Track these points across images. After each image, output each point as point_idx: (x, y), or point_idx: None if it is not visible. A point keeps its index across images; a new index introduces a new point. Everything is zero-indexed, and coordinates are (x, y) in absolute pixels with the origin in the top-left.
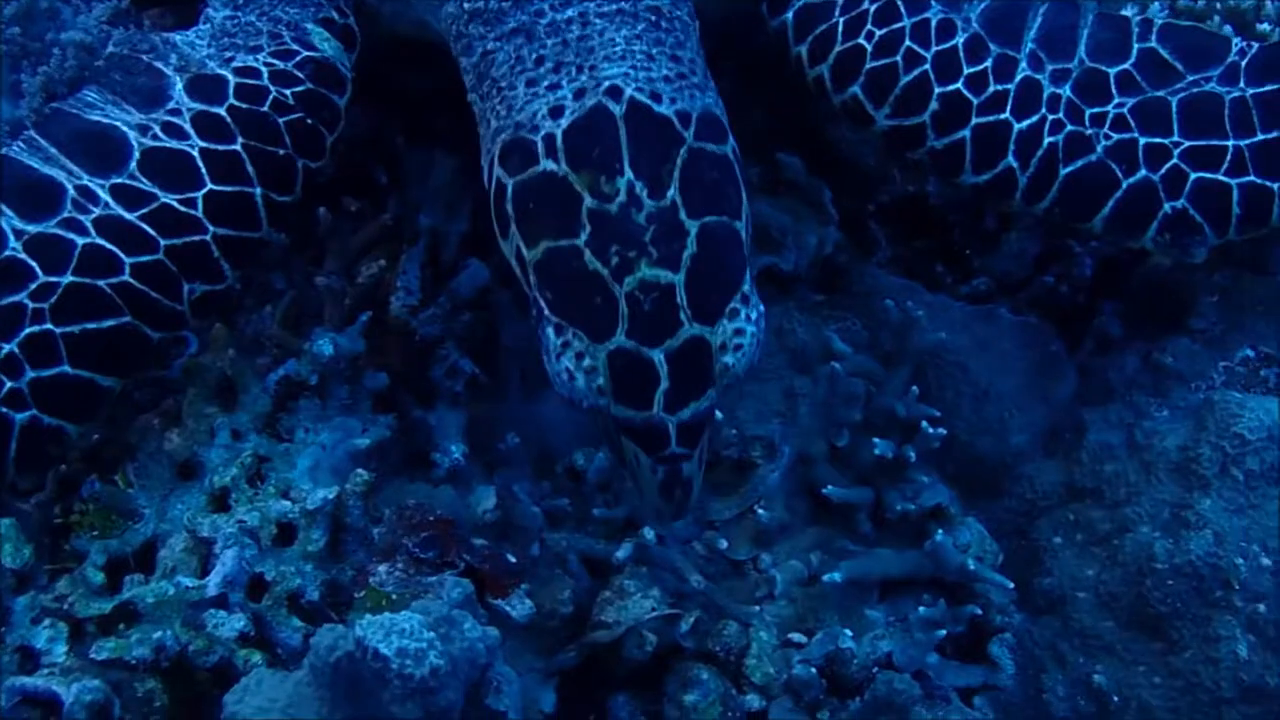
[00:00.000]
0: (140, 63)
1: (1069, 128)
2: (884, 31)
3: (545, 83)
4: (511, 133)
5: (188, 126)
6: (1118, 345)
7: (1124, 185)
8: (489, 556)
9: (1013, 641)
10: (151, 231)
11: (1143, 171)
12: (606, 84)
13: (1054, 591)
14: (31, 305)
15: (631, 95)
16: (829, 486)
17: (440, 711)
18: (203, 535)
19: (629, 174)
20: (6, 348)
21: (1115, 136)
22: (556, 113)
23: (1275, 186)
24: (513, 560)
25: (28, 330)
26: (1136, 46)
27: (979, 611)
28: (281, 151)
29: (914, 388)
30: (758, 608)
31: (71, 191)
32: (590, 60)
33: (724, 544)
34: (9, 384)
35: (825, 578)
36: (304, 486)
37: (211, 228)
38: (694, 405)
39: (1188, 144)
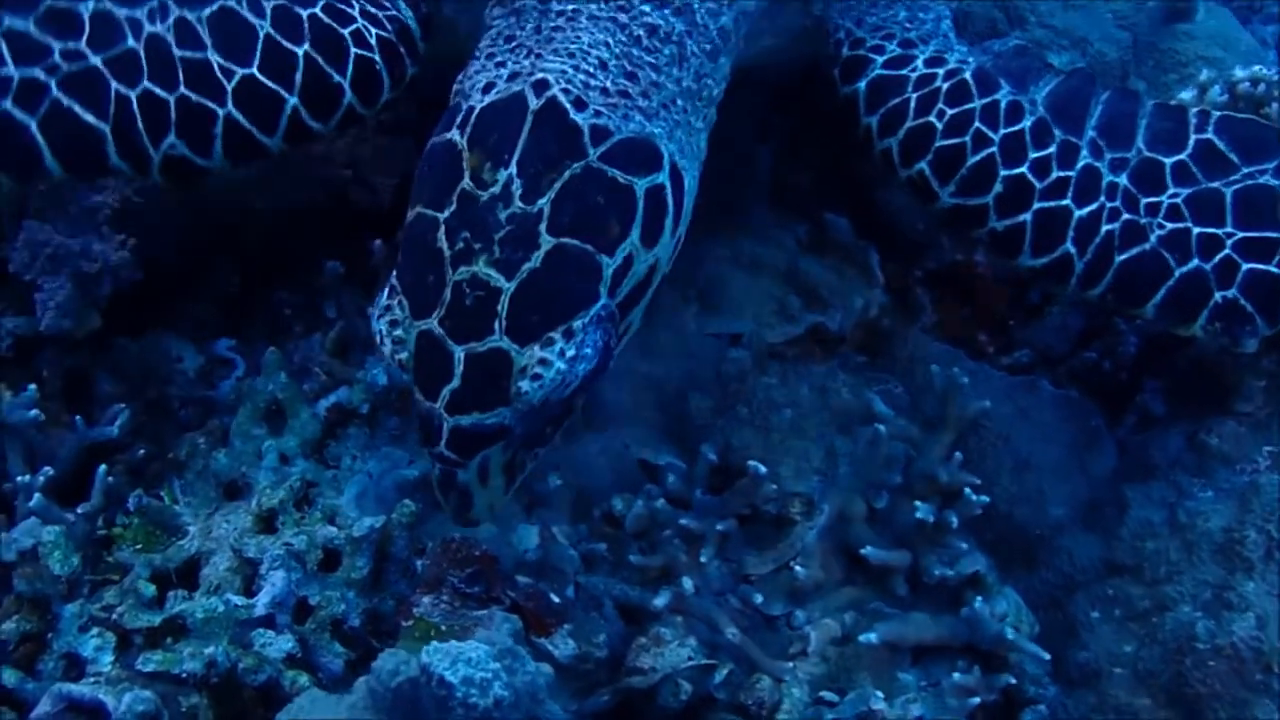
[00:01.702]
0: None
1: (1125, 216)
2: (955, 111)
3: (498, 59)
4: (454, 97)
5: (270, 12)
6: (1160, 423)
7: (1176, 274)
8: (532, 595)
9: (1046, 713)
10: (180, 74)
11: (1195, 261)
12: (538, 75)
13: (1090, 665)
14: (55, 58)
15: (554, 94)
16: (868, 547)
17: None
18: (248, 555)
19: (512, 169)
20: (10, 69)
21: (1169, 226)
22: (487, 88)
23: None
24: (556, 600)
25: (35, 72)
26: (1194, 137)
27: (1013, 681)
28: (336, 78)
29: (958, 454)
30: (791, 664)
31: (153, 1)
32: (544, 49)
33: (759, 598)
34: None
35: (861, 638)
36: (350, 514)
37: (230, 106)
38: (476, 416)
39: (1240, 235)
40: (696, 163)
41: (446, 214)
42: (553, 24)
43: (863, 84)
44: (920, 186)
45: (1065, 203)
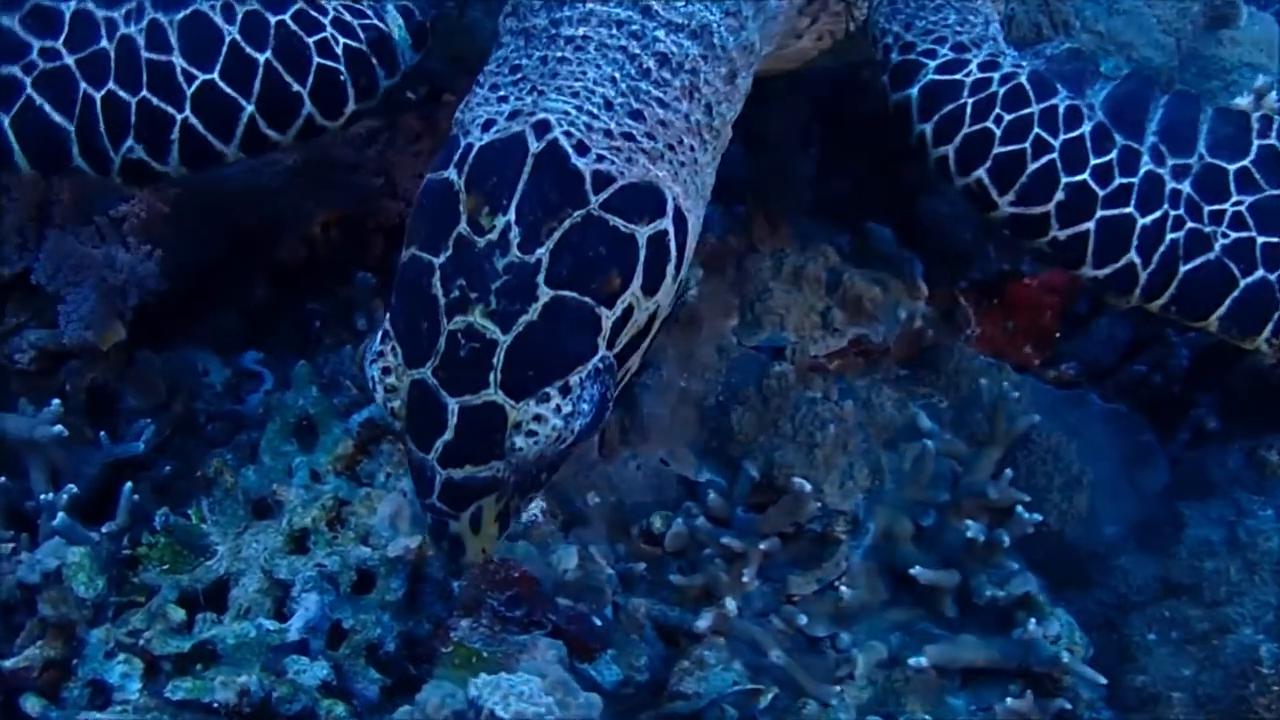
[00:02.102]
0: None
1: (1189, 224)
2: (1013, 116)
3: (501, 92)
4: (454, 127)
5: (240, 18)
6: (1215, 439)
7: (1241, 285)
8: (575, 618)
9: None
10: (144, 77)
11: (1260, 271)
12: (539, 116)
13: (1147, 690)
14: (33, 56)
15: (556, 137)
16: (917, 567)
17: None
18: (279, 577)
19: (511, 215)
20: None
21: (1233, 235)
22: (487, 125)
23: None
24: (599, 623)
25: (13, 69)
26: (1256, 143)
27: (1068, 706)
28: (295, 87)
29: (1008, 470)
30: (838, 688)
31: (132, 2)
32: (547, 85)
33: (803, 620)
34: None
35: (910, 661)
36: (384, 533)
37: (189, 111)
38: (470, 469)
39: None
40: (702, 201)
41: (442, 259)
42: (560, 53)
43: (915, 90)
44: (978, 195)
45: (1129, 210)
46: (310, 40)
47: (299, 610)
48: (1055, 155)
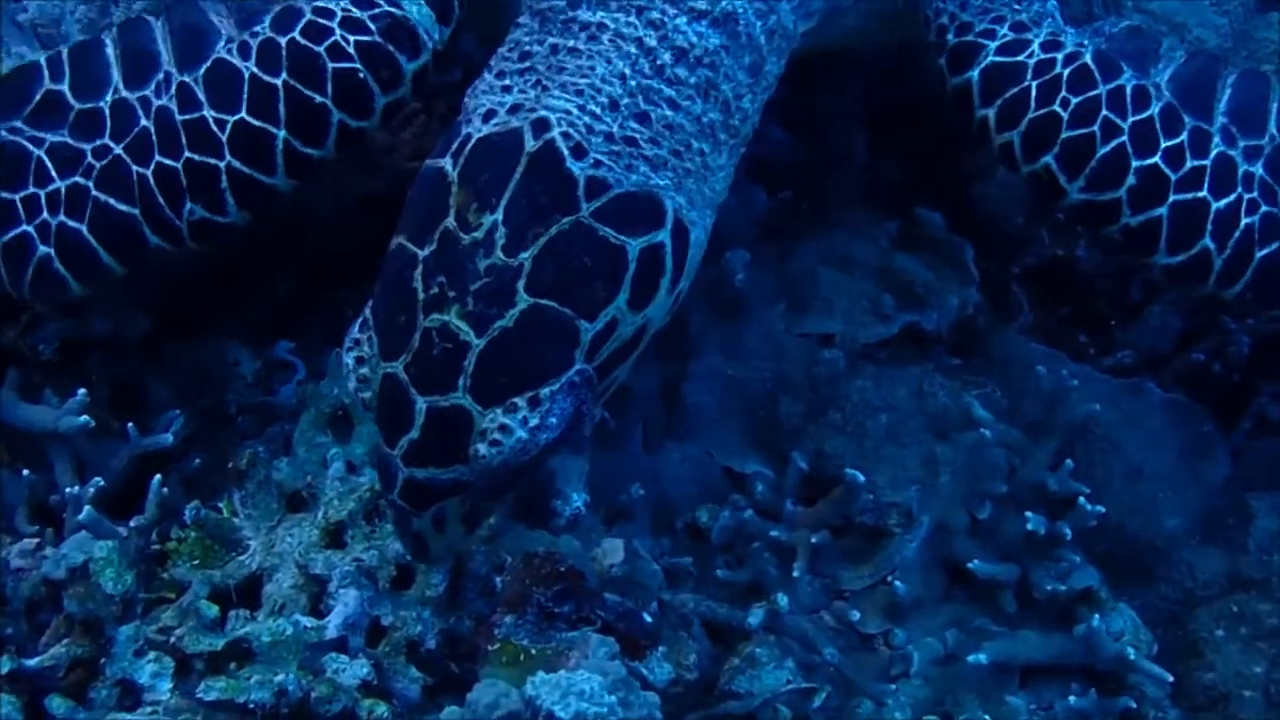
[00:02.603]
0: None
1: (1264, 208)
2: (1080, 99)
3: (506, 81)
4: (462, 112)
5: (255, 50)
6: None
7: None
8: (624, 614)
9: None
10: (184, 139)
11: None
12: (539, 113)
13: (1216, 688)
14: (89, 159)
15: (553, 137)
16: (975, 561)
17: None
18: (315, 572)
19: (499, 215)
20: (57, 183)
21: None
22: (488, 116)
23: None
24: (649, 620)
25: (77, 178)
26: None
27: (1133, 705)
28: (318, 99)
29: (1068, 461)
30: (893, 686)
31: (159, 75)
32: (552, 80)
33: (856, 616)
34: (44, 215)
35: (970, 659)
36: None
37: (228, 156)
38: (433, 470)
39: None
40: (711, 209)
41: (426, 252)
42: (572, 42)
43: (975, 73)
44: (1046, 182)
45: (1202, 194)
46: (320, 48)
47: (337, 606)
48: (1125, 138)
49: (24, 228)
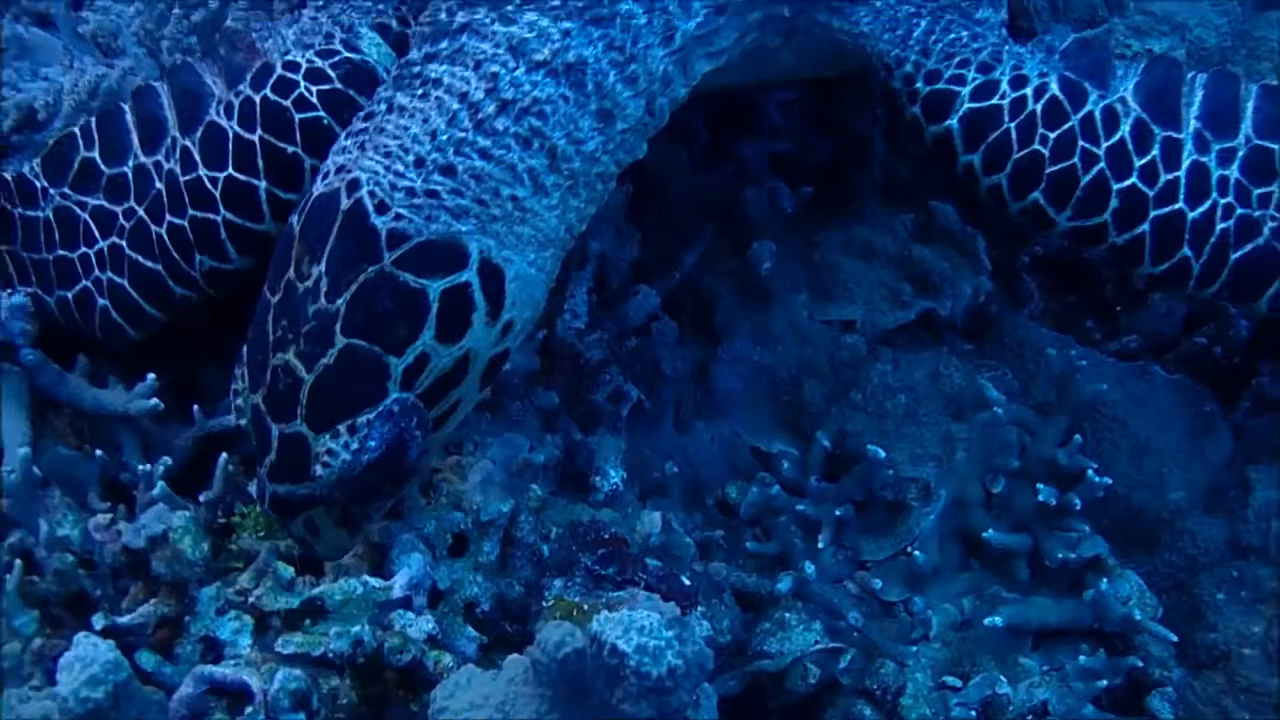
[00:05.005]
0: (245, 39)
1: (1239, 211)
2: (1057, 133)
3: (345, 142)
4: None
5: (236, 109)
6: (1278, 406)
7: None
8: (665, 577)
9: (1173, 695)
10: (187, 198)
11: None
12: (353, 174)
13: (1218, 647)
14: (120, 220)
15: (361, 196)
16: (990, 531)
17: (672, 713)
18: (373, 540)
19: (323, 266)
20: (101, 243)
21: None
22: (325, 175)
23: None
24: (687, 582)
25: (114, 238)
26: None
27: (1139, 664)
28: (290, 149)
29: (1076, 437)
30: (914, 648)
31: (168, 139)
32: (371, 142)
33: (878, 584)
34: (96, 271)
35: (986, 622)
36: (475, 499)
37: (223, 210)
38: (289, 486)
39: None
40: (541, 246)
41: (275, 299)
42: (404, 100)
43: (955, 121)
44: (1035, 216)
45: (1179, 206)
46: (288, 102)
47: (402, 569)
48: (1103, 164)
49: (85, 283)
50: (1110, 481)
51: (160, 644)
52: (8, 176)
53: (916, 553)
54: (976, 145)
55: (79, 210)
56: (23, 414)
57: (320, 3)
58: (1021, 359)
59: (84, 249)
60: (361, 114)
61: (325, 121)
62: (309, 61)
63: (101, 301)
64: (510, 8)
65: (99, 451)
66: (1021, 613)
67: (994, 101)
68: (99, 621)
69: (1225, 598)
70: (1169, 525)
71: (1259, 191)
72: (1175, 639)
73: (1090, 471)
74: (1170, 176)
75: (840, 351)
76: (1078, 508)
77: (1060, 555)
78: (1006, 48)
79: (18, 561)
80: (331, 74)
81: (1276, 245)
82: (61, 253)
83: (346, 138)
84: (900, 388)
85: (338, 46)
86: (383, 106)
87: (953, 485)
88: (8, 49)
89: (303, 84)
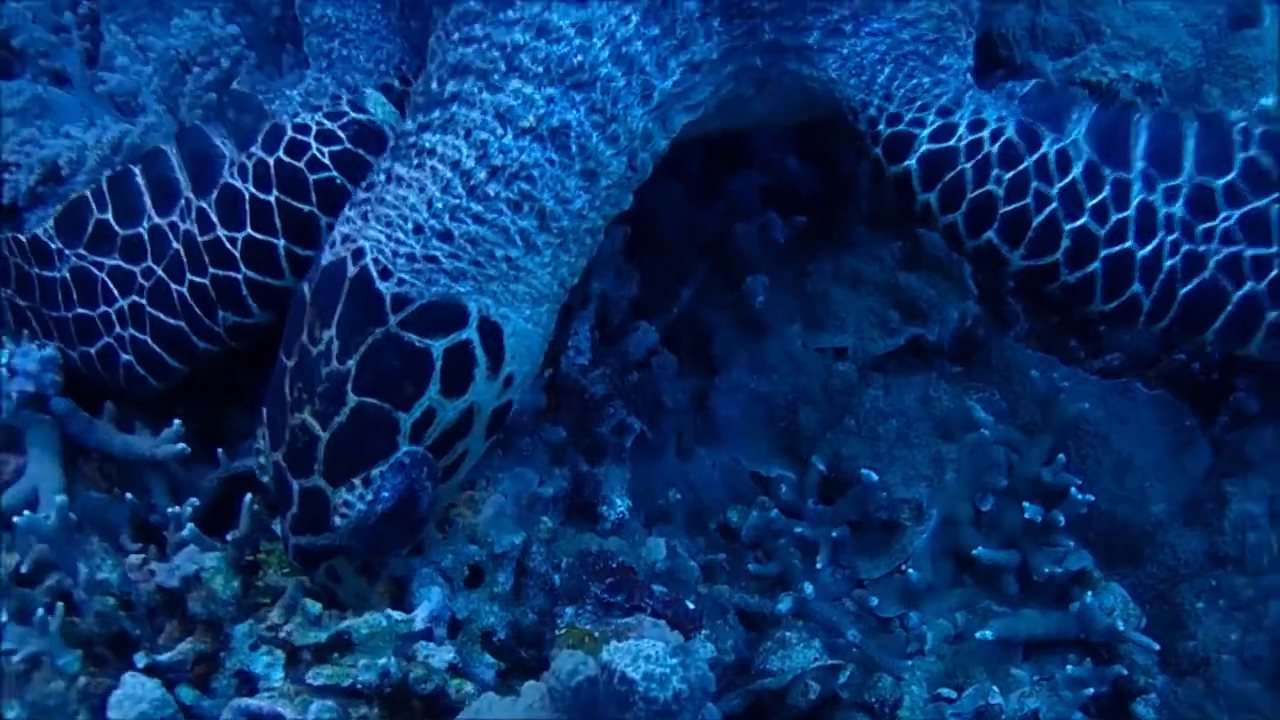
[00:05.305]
0: (253, 102)
1: (1185, 247)
2: (1011, 174)
3: (350, 212)
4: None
5: (250, 171)
6: (1255, 420)
7: (1234, 298)
8: (670, 602)
9: (1157, 702)
10: (206, 258)
11: (1250, 283)
12: (358, 243)
13: (1198, 654)
14: (139, 280)
15: (366, 264)
16: (980, 548)
17: None
18: (394, 574)
19: (333, 330)
20: (120, 302)
21: (1224, 250)
22: (332, 245)
23: None
24: (692, 606)
25: (134, 297)
26: (1239, 156)
27: (1124, 672)
28: (306, 209)
29: (1061, 456)
30: (909, 662)
31: (181, 201)
32: (372, 211)
33: (875, 601)
34: (117, 328)
35: (977, 635)
36: (489, 532)
37: (244, 269)
38: (310, 537)
39: None
40: (537, 301)
41: (291, 363)
42: (401, 170)
43: (913, 161)
44: (989, 254)
45: (1129, 245)
46: (301, 163)
47: (423, 602)
48: (1056, 205)
49: (107, 339)
50: (1093, 498)
51: (198, 679)
52: (23, 238)
53: (910, 570)
54: (933, 185)
55: (96, 270)
56: (55, 461)
57: (323, 64)
58: (1009, 380)
59: (104, 307)
60: (364, 184)
61: (338, 181)
62: (318, 123)
63: (125, 357)
64: (496, 76)
65: (129, 495)
66: (1011, 625)
67: (950, 144)
68: (141, 660)
69: (1204, 606)
70: (1151, 538)
71: (1202, 227)
72: (1158, 647)
73: (1073, 489)
74: (1120, 216)
75: (833, 379)
76: (1062, 524)
77: (1047, 570)
78: (969, 93)
79: (59, 604)
80: (341, 135)
81: (1221, 278)
82: (81, 311)
83: (350, 208)
84: (892, 412)
85: (345, 108)
86: (382, 177)
87: (944, 505)
88: (29, 109)
89: (314, 145)
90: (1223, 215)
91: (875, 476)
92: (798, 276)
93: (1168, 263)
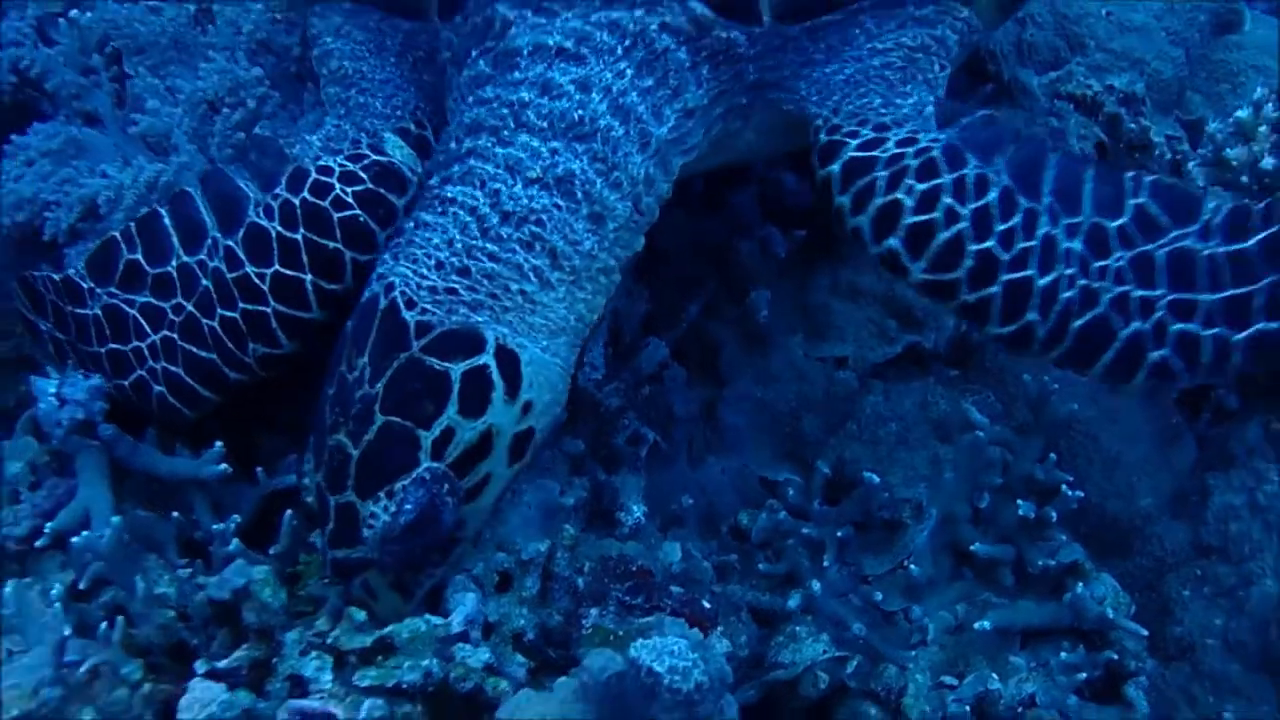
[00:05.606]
0: (274, 145)
1: (1081, 282)
2: (924, 187)
3: (385, 254)
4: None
5: (277, 211)
6: (1236, 417)
7: (1121, 336)
8: (686, 602)
9: (1146, 684)
10: (236, 293)
11: (1136, 323)
12: (389, 279)
13: (1184, 639)
14: (170, 315)
15: (395, 296)
16: (977, 544)
17: None
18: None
19: (366, 358)
20: (152, 337)
21: (1115, 289)
22: (370, 284)
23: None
24: (707, 605)
25: (165, 332)
26: (1130, 202)
27: (1115, 657)
28: (331, 245)
29: (1052, 454)
30: (913, 653)
31: (209, 240)
32: (402, 252)
33: (879, 596)
34: (149, 362)
35: (976, 625)
36: (516, 540)
37: (272, 303)
38: (345, 550)
39: (1170, 296)
40: (553, 333)
41: (331, 391)
42: (427, 217)
43: (836, 166)
44: (891, 262)
45: (1029, 273)
46: (326, 202)
47: (458, 607)
48: (965, 224)
49: (140, 372)
50: (1083, 494)
51: (252, 684)
52: (57, 278)
53: (912, 566)
54: (848, 188)
55: (127, 308)
56: (106, 484)
57: (341, 111)
58: (1003, 382)
59: (136, 342)
60: (396, 231)
61: (361, 219)
62: (341, 165)
63: (158, 388)
64: (506, 132)
65: (175, 513)
66: (1008, 616)
67: (874, 153)
68: (201, 667)
69: (1190, 594)
70: (1139, 531)
71: (1098, 264)
72: (1146, 634)
73: (1065, 486)
74: (1025, 244)
75: (835, 386)
76: (1054, 519)
77: (1041, 562)
78: (916, 120)
79: (120, 617)
80: (363, 175)
81: (1110, 314)
82: (114, 346)
83: (385, 252)
84: (891, 416)
85: (365, 151)
86: (411, 224)
87: (942, 503)
88: (65, 150)
89: (338, 186)
90: (1115, 255)
91: (877, 478)
92: (799, 289)
93: (1064, 295)
